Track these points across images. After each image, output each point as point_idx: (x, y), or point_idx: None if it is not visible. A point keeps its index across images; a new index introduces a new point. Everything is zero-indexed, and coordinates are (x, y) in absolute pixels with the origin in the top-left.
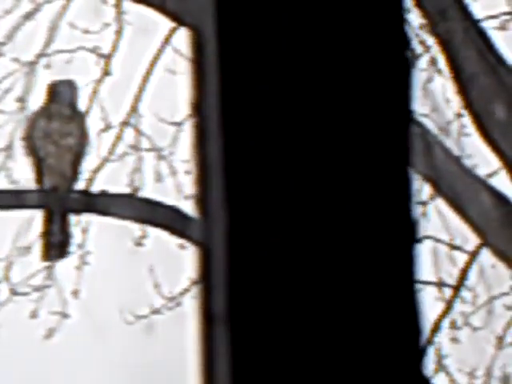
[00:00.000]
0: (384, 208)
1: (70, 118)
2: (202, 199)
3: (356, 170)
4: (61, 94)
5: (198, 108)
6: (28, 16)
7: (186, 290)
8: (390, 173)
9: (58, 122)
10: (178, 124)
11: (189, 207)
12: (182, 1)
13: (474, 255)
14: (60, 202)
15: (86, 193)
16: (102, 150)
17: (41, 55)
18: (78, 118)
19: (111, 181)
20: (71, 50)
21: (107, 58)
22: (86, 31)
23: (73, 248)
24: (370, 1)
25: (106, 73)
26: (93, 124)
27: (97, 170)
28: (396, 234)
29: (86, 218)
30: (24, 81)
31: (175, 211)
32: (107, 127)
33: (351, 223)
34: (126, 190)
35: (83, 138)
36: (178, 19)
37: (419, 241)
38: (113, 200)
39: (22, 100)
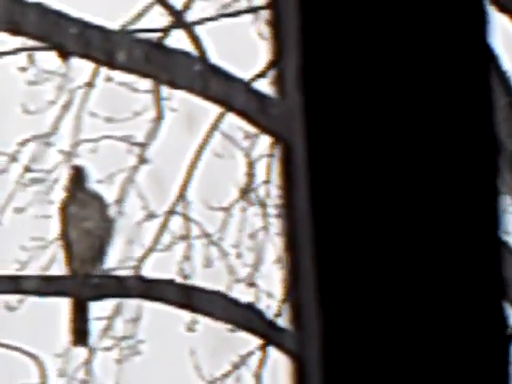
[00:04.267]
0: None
1: (88, 202)
2: (295, 308)
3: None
4: (79, 179)
5: (288, 215)
6: (67, 106)
7: (229, 372)
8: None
9: (79, 207)
10: (227, 209)
11: (239, 291)
12: (271, 115)
13: None
14: (82, 288)
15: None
16: (147, 239)
17: (77, 144)
18: (97, 202)
19: (165, 269)
20: (99, 138)
21: (142, 146)
22: (113, 119)
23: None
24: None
25: (142, 161)
26: (132, 213)
27: (142, 259)
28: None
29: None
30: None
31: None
32: (150, 216)
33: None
34: (176, 278)
35: (103, 222)
36: (270, 132)
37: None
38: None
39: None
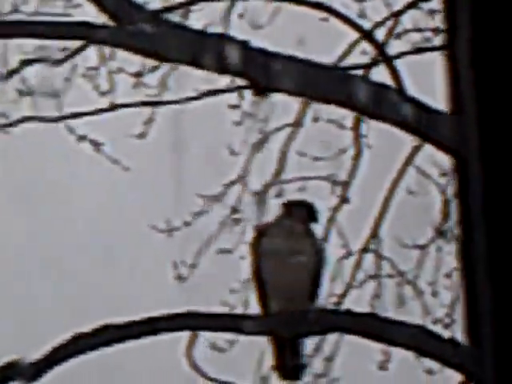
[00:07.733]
0: None
1: (298, 236)
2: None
3: None
4: (295, 212)
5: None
6: (257, 146)
7: None
8: None
9: (286, 240)
10: (422, 247)
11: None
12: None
13: None
14: (288, 326)
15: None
16: (345, 277)
17: (270, 184)
18: (306, 237)
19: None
20: (304, 178)
21: (344, 185)
22: (318, 158)
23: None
24: None
25: (344, 200)
26: (333, 251)
27: (341, 297)
28: None
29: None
30: (255, 210)
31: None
32: (348, 254)
33: None
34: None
35: (313, 257)
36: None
37: None
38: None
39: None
